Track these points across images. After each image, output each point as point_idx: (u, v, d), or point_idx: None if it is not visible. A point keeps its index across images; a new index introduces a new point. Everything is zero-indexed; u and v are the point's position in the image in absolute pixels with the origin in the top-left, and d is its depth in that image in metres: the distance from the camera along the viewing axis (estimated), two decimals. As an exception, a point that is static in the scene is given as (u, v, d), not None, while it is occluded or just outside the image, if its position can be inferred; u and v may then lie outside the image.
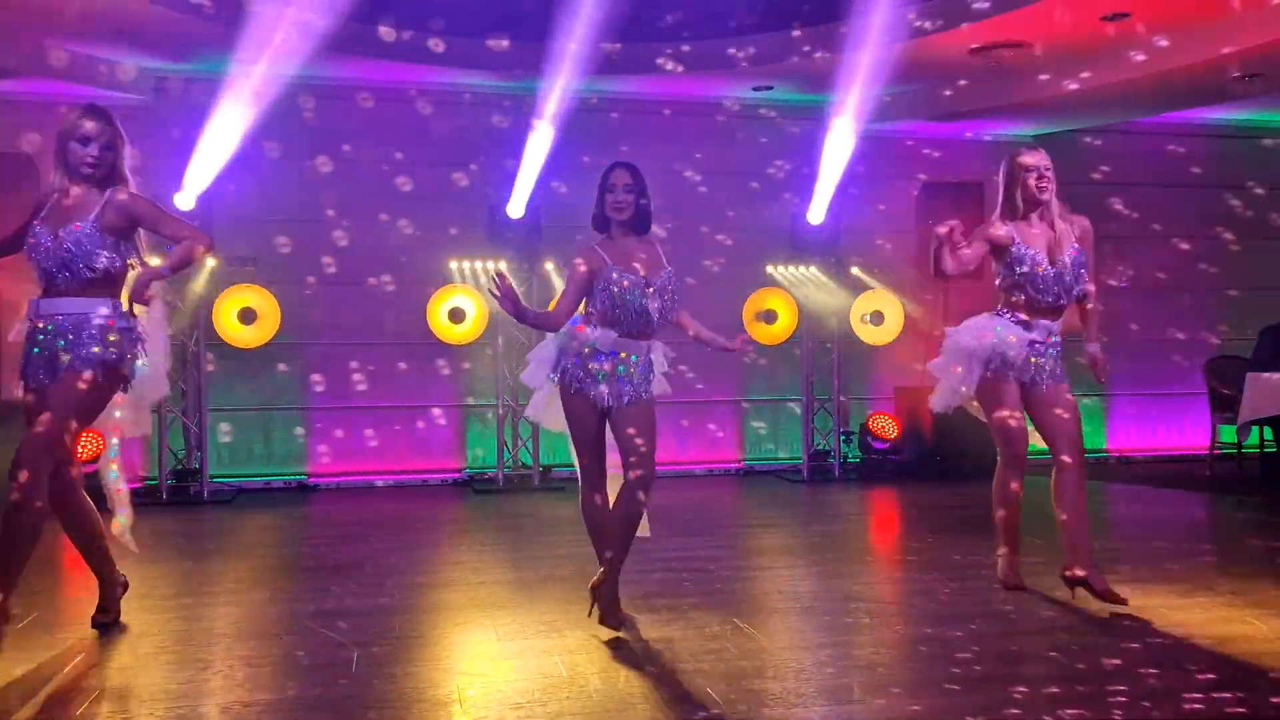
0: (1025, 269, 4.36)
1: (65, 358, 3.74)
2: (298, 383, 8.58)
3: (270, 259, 7.98)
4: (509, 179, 8.20)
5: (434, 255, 8.43)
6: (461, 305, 8.50)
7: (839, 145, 8.30)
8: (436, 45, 7.44)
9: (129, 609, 4.22)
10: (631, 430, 3.99)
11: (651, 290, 4.01)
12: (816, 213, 8.68)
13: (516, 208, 8.27)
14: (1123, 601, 4.12)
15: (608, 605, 3.95)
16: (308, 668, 3.57)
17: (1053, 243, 4.38)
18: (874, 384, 9.58)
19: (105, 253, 3.78)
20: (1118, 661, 3.50)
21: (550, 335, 4.21)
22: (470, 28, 7.47)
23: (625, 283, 3.99)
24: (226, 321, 8.09)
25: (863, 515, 7.45)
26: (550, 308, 4.34)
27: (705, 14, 7.69)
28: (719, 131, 8.96)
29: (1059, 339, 4.44)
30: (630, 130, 8.87)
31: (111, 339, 3.78)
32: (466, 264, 8.50)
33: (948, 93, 8.53)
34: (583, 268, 4.04)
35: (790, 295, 9.00)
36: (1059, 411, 4.34)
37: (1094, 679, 3.33)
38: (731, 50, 7.83)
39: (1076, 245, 4.40)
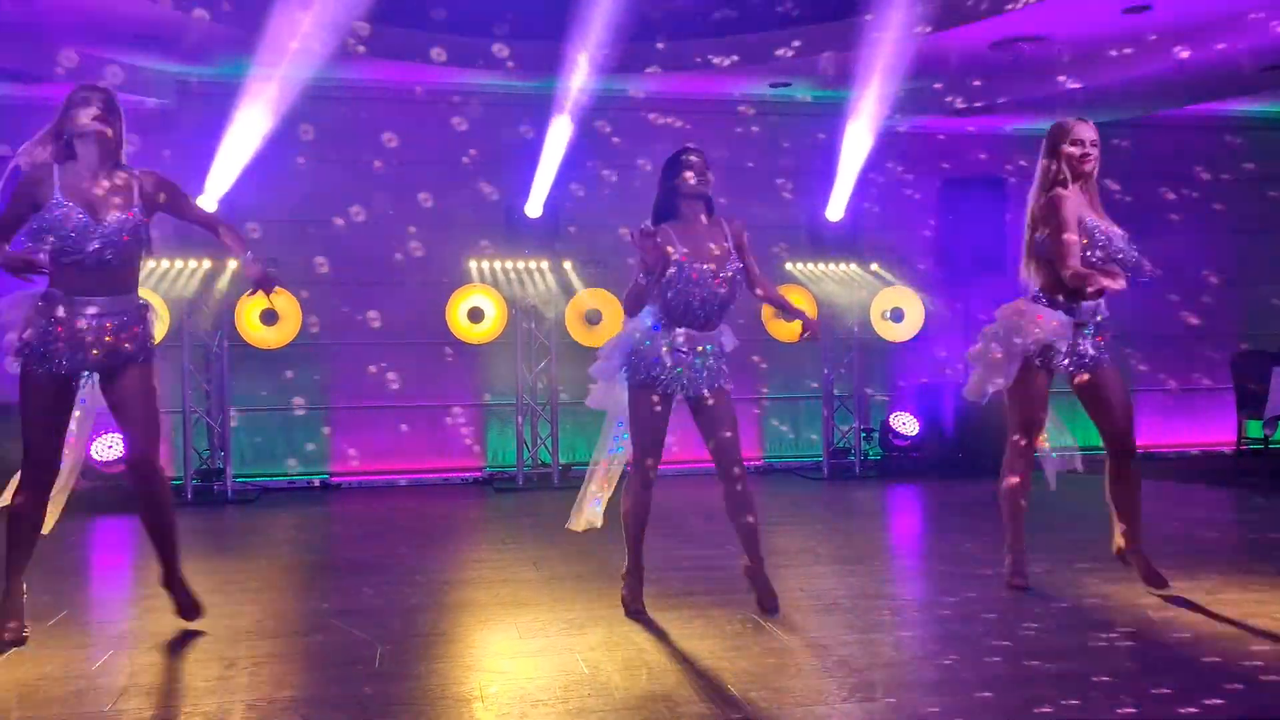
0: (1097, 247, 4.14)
1: (127, 348, 3.71)
2: (319, 383, 8.63)
3: (291, 260, 8.02)
4: (527, 179, 8.22)
5: (453, 255, 8.46)
6: (480, 305, 8.53)
7: (858, 141, 8.27)
8: (454, 47, 7.47)
9: (156, 608, 4.25)
10: (726, 433, 4.06)
11: (720, 278, 4.00)
12: (836, 209, 8.67)
13: (534, 207, 8.29)
14: (1165, 584, 4.19)
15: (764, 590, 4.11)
16: (331, 665, 3.59)
17: (1101, 216, 4.24)
18: (894, 381, 9.55)
19: (140, 246, 3.76)
20: (1139, 661, 3.47)
21: (623, 330, 4.19)
22: (488, 28, 7.49)
23: (694, 274, 3.98)
24: (249, 322, 8.15)
25: (884, 512, 7.42)
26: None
27: (722, 11, 7.69)
28: (737, 129, 8.95)
29: (1106, 315, 4.29)
30: (648, 129, 8.87)
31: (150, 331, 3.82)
32: (485, 264, 8.52)
33: (969, 86, 8.49)
34: (657, 248, 4.01)
35: (810, 292, 8.98)
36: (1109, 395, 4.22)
37: (1120, 678, 3.31)
38: (748, 46, 7.82)
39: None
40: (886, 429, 9.07)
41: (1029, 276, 4.36)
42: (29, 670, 3.55)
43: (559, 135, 7.93)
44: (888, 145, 8.60)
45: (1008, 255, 8.78)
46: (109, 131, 3.73)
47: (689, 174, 4.04)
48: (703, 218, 4.11)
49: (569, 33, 7.10)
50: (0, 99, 7.80)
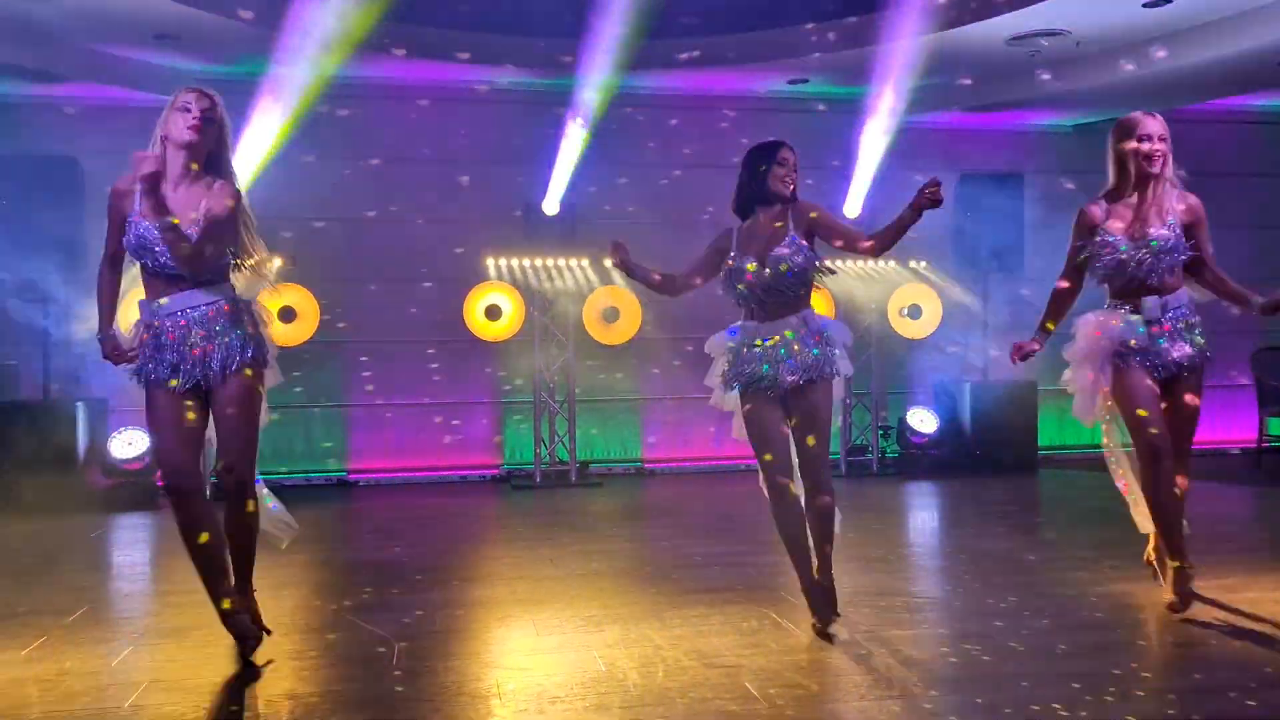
0: (1105, 257, 4.07)
1: (220, 353, 3.57)
2: (337, 380, 8.66)
3: (309, 258, 8.06)
4: (544, 176, 8.23)
5: (470, 252, 8.48)
6: (498, 302, 8.54)
7: (875, 137, 8.24)
8: (471, 44, 7.49)
9: (180, 604, 4.28)
10: (806, 429, 3.84)
11: (761, 275, 3.84)
12: (853, 205, 8.64)
13: (552, 204, 8.30)
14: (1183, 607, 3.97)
15: (824, 602, 3.85)
16: (350, 661, 3.61)
17: (1140, 218, 4.07)
18: (912, 378, 9.51)
19: (222, 245, 3.62)
20: (1162, 658, 3.45)
21: (716, 353, 4.04)
22: (504, 26, 7.50)
23: (731, 264, 3.91)
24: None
25: (902, 510, 7.40)
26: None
27: (739, 7, 7.67)
28: (753, 125, 8.92)
29: (1183, 308, 4.11)
30: (665, 125, 8.87)
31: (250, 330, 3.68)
32: (503, 261, 8.53)
33: (987, 81, 8.44)
34: (716, 244, 3.98)
35: (826, 289, 8.94)
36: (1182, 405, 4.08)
37: (1141, 674, 3.28)
38: (766, 43, 7.80)
39: (1176, 221, 4.07)
40: (904, 426, 9.04)
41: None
42: (50, 666, 3.58)
43: (576, 132, 7.93)
44: (905, 141, 8.56)
45: (1026, 251, 8.74)
46: (200, 145, 3.60)
47: (778, 170, 3.92)
48: (775, 213, 3.95)
49: (587, 30, 7.09)
50: (20, 98, 7.85)
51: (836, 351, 3.91)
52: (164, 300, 3.59)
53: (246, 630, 3.64)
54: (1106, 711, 2.96)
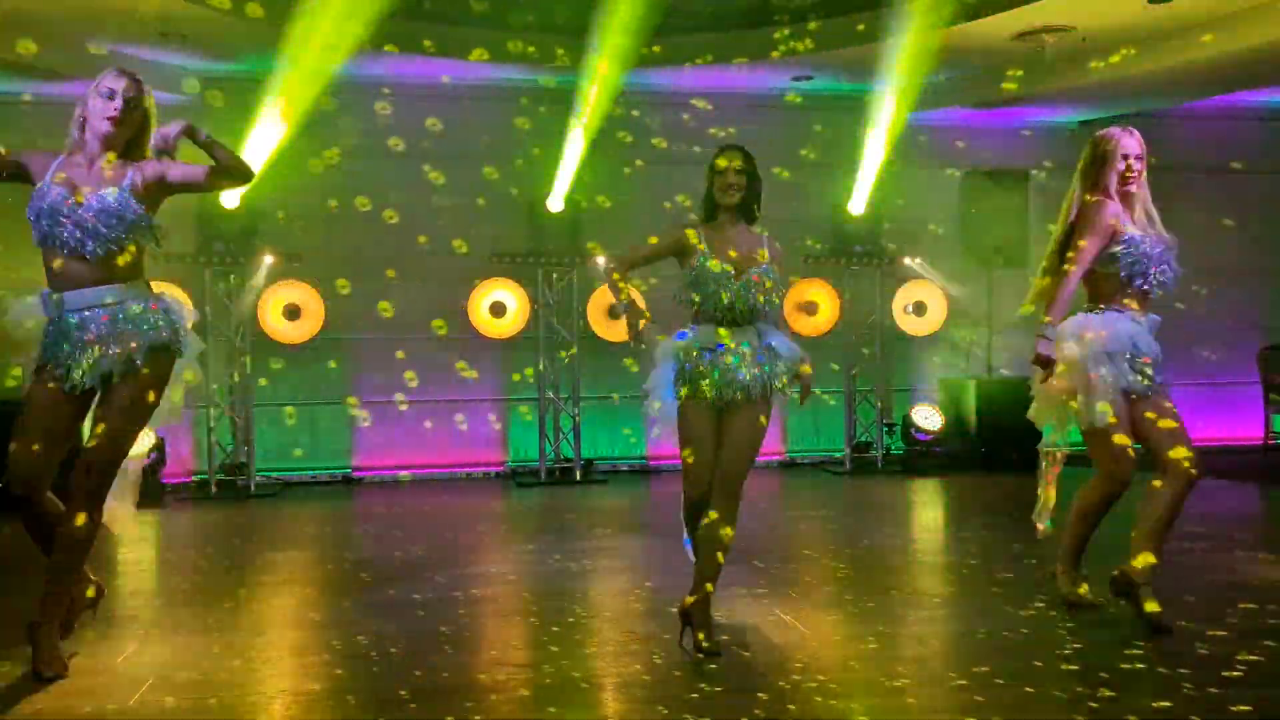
0: (1134, 253, 3.94)
1: (114, 353, 3.38)
2: (342, 377, 8.67)
3: (313, 255, 8.08)
4: (549, 172, 8.23)
5: (475, 250, 8.47)
6: (502, 299, 8.55)
7: (880, 134, 8.22)
8: (477, 40, 7.47)
9: (184, 602, 4.29)
10: (733, 446, 3.74)
11: (738, 283, 3.79)
12: (858, 202, 8.63)
13: (556, 202, 8.31)
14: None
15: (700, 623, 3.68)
16: (353, 658, 3.61)
17: (1144, 226, 4.06)
18: (917, 375, 9.50)
19: (135, 224, 3.43)
20: (1163, 655, 3.44)
21: (661, 359, 3.92)
22: (508, 23, 7.49)
23: (712, 267, 3.81)
24: (273, 317, 8.20)
25: (906, 507, 7.39)
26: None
27: (743, 4, 7.65)
28: (758, 122, 8.91)
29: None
30: (670, 123, 8.85)
31: (160, 322, 3.47)
32: (507, 259, 8.53)
33: (992, 78, 8.42)
34: (674, 234, 3.91)
35: (831, 286, 8.95)
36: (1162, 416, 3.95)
37: (1144, 672, 3.28)
38: (770, 40, 7.78)
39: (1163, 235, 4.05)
40: (908, 423, 9.03)
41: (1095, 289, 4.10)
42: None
43: (582, 129, 7.92)
44: (911, 138, 8.55)
45: (1031, 248, 8.72)
46: (119, 135, 3.52)
47: (718, 180, 3.89)
48: (749, 234, 3.93)
49: (591, 27, 7.08)
50: (16, 95, 7.85)
51: (780, 368, 3.83)
52: (58, 296, 3.46)
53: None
54: (1111, 706, 2.96)
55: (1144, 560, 3.80)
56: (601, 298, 8.70)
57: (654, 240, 3.97)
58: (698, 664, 3.47)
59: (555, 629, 3.96)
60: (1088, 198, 4.08)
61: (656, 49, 7.58)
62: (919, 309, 9.08)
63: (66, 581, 3.46)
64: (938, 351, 9.37)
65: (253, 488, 8.09)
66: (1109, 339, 3.92)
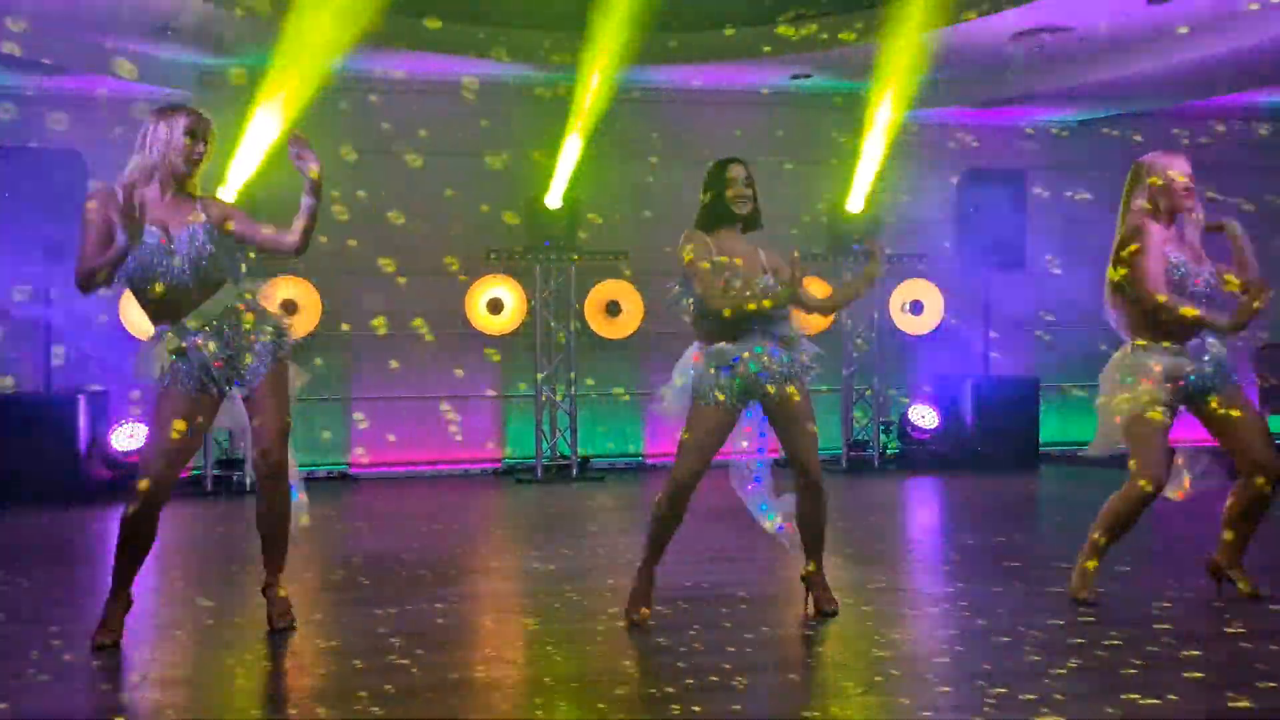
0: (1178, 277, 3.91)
1: (248, 358, 3.67)
2: (339, 373, 8.66)
3: (310, 251, 8.02)
4: (548, 169, 8.22)
5: (472, 246, 8.47)
6: (500, 296, 8.55)
7: (878, 132, 8.22)
8: (474, 36, 7.47)
9: (181, 598, 4.29)
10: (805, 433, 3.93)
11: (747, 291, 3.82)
12: (855, 201, 8.63)
13: (554, 198, 8.30)
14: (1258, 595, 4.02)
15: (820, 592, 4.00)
16: (349, 655, 3.61)
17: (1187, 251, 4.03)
18: (913, 373, 9.51)
19: (221, 257, 3.70)
20: (1159, 657, 3.45)
21: (680, 372, 3.98)
22: (507, 17, 7.49)
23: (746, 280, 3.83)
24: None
25: (902, 506, 7.41)
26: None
27: (743, 1, 7.65)
28: (756, 120, 8.92)
29: (1212, 338, 4.02)
30: (667, 119, 8.85)
31: (268, 326, 3.78)
32: (505, 255, 8.52)
33: (991, 78, 8.43)
34: (702, 245, 3.87)
35: (828, 284, 8.94)
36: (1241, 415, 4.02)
37: (1137, 674, 3.28)
38: (768, 38, 7.78)
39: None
40: (905, 422, 9.04)
41: (1119, 324, 4.09)
42: (49, 660, 3.58)
43: (579, 125, 7.91)
44: (909, 136, 8.55)
45: (1028, 248, 8.73)
46: (195, 170, 3.71)
47: (729, 191, 3.89)
48: (748, 245, 3.96)
49: (590, 22, 7.07)
50: (17, 89, 7.84)
51: (802, 347, 3.95)
52: (177, 325, 3.63)
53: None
54: (1105, 706, 2.96)
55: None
56: (599, 294, 8.70)
57: (694, 258, 3.87)
58: (691, 663, 3.47)
59: (551, 626, 3.97)
60: (1140, 222, 4.00)
61: (655, 46, 7.57)
62: (916, 308, 9.09)
63: (283, 548, 3.88)
64: (935, 350, 9.37)
65: (249, 484, 8.08)
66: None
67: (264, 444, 3.71)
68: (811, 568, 4.04)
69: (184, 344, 3.61)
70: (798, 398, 3.90)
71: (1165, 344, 3.97)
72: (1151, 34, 7.58)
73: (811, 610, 4.00)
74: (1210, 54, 7.54)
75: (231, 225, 3.76)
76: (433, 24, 7.00)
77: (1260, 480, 4.01)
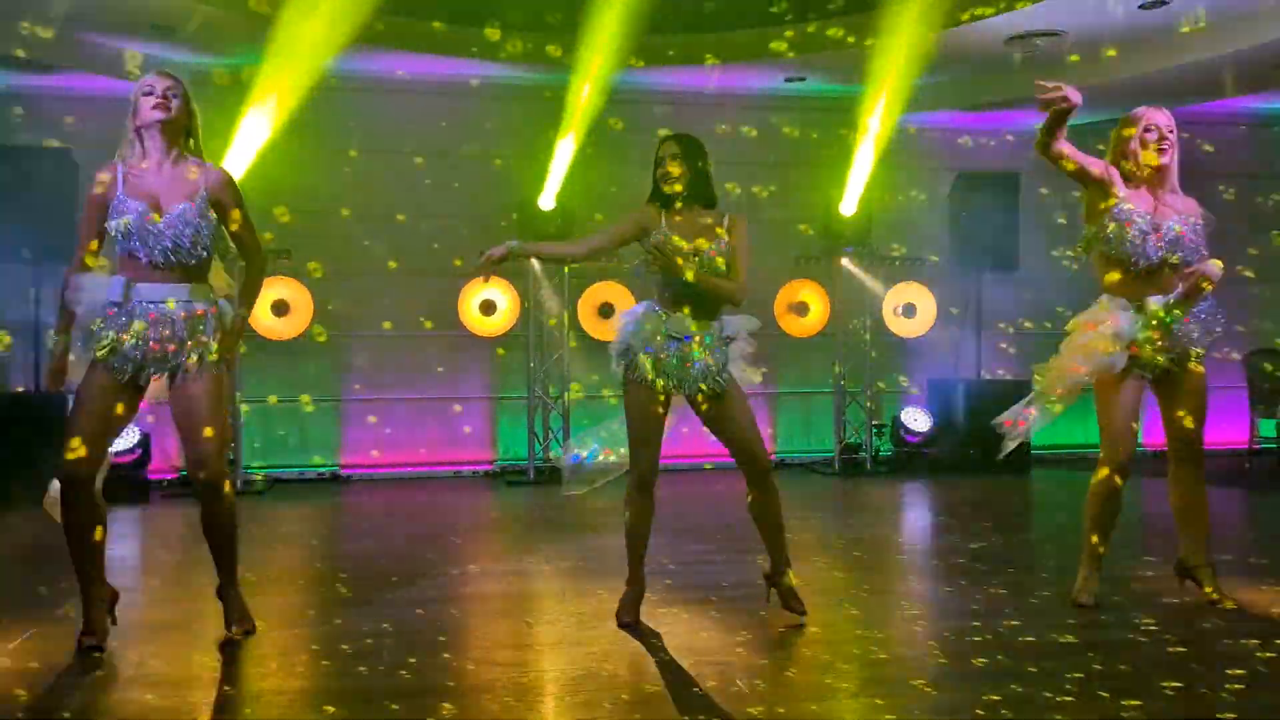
0: (1115, 225, 3.95)
1: (191, 356, 3.56)
2: (330, 374, 8.64)
3: (302, 251, 8.03)
4: (540, 171, 8.22)
5: (465, 247, 8.46)
6: (493, 297, 8.53)
7: (872, 136, 8.23)
8: (469, 37, 7.45)
9: (167, 599, 4.26)
10: (745, 423, 3.90)
11: (695, 260, 3.78)
12: (849, 204, 8.63)
13: (547, 199, 8.29)
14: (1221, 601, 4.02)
15: (785, 595, 4.00)
16: (339, 656, 3.59)
17: (1155, 209, 4.04)
18: (906, 376, 9.51)
19: (206, 237, 3.62)
20: (1149, 659, 3.45)
21: (627, 321, 3.94)
22: (501, 19, 7.47)
23: (678, 241, 3.78)
24: (261, 313, 8.16)
25: (894, 508, 7.40)
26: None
27: (738, 4, 7.65)
28: (751, 123, 8.91)
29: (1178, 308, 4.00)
30: (662, 122, 8.81)
31: (214, 331, 3.65)
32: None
33: (983, 81, 8.44)
34: (629, 218, 3.90)
35: (822, 286, 8.95)
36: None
37: (1128, 675, 3.28)
38: (763, 40, 7.78)
39: (1190, 218, 4.06)
40: (898, 424, 9.04)
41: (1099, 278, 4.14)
42: (37, 660, 3.56)
43: (573, 126, 7.91)
44: (902, 140, 8.56)
45: (1021, 251, 8.74)
46: (170, 122, 3.63)
47: (657, 171, 3.89)
48: (692, 212, 3.91)
49: (584, 25, 7.07)
50: (14, 88, 7.81)
51: (735, 351, 3.92)
52: (132, 283, 3.58)
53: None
54: (1097, 708, 2.96)
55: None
56: (593, 296, 8.69)
57: (613, 225, 3.95)
58: (683, 666, 3.46)
59: (542, 628, 3.95)
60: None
61: (650, 48, 7.57)
62: (909, 310, 9.10)
63: (232, 547, 3.80)
64: (928, 353, 9.38)
65: (239, 485, 8.05)
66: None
67: (199, 456, 3.58)
68: (768, 568, 4.04)
69: (122, 335, 3.53)
70: (729, 390, 3.88)
71: (1126, 300, 4.02)
72: (1144, 38, 7.60)
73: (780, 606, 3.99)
74: (1204, 58, 7.56)
75: (227, 212, 3.72)
76: (424, 24, 6.99)
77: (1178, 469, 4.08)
